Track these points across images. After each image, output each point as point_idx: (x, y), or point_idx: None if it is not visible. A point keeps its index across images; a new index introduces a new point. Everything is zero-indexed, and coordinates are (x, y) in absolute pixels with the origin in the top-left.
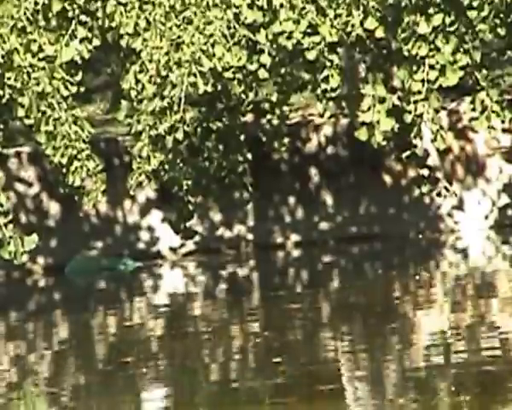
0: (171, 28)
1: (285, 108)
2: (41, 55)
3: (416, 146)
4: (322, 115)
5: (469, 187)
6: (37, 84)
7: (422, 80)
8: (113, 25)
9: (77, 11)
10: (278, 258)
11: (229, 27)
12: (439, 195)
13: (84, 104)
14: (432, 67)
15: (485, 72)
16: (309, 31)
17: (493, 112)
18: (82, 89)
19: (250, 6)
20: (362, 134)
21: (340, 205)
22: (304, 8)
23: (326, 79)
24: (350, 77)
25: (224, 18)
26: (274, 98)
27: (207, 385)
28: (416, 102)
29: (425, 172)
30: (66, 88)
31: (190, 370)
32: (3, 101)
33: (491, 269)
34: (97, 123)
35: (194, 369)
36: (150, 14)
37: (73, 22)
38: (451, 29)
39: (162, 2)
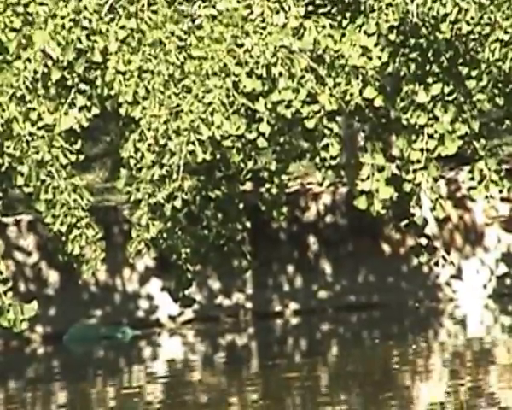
0: (169, 97)
1: (284, 177)
2: (40, 124)
3: (414, 215)
4: (321, 184)
5: (468, 256)
6: (37, 152)
7: (421, 149)
8: (112, 93)
9: (76, 80)
10: (277, 326)
11: (228, 96)
12: (437, 264)
13: (84, 172)
14: (431, 136)
15: (483, 141)
16: (308, 99)
17: (492, 181)
18: (81, 157)
19: (249, 75)
20: (361, 203)
21: (338, 274)
22: (303, 76)
23: (325, 148)
24: (349, 146)
25: (223, 86)
26: (273, 167)
27: None
28: (414, 170)
29: (423, 241)
30: (66, 156)
31: None
32: (3, 169)
33: (490, 339)
34: (96, 191)
35: None
36: (149, 82)
37: (72, 91)
38: (450, 98)
39: (161, 70)
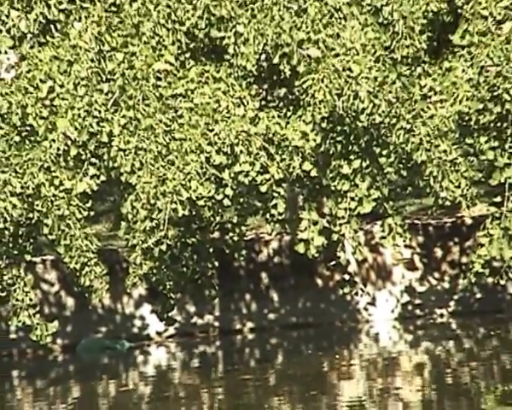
0: (158, 168)
1: (243, 228)
2: (61, 188)
3: (340, 257)
4: (270, 233)
5: (380, 288)
6: (58, 209)
7: (345, 208)
8: (116, 165)
9: (88, 155)
10: (237, 340)
11: (201, 167)
12: (356, 294)
13: (93, 224)
14: (352, 198)
15: (391, 203)
16: (261, 170)
17: (397, 233)
18: (91, 213)
19: (217, 152)
20: (300, 248)
21: (283, 301)
22: (258, 153)
23: (274, 207)
24: (291, 205)
25: (198, 160)
26: (235, 220)
27: None
28: (340, 224)
29: (347, 276)
30: (80, 212)
31: None
32: (33, 221)
33: (396, 351)
34: (103, 238)
35: None
36: (143, 157)
37: (86, 163)
38: (367, 171)
39: (152, 148)
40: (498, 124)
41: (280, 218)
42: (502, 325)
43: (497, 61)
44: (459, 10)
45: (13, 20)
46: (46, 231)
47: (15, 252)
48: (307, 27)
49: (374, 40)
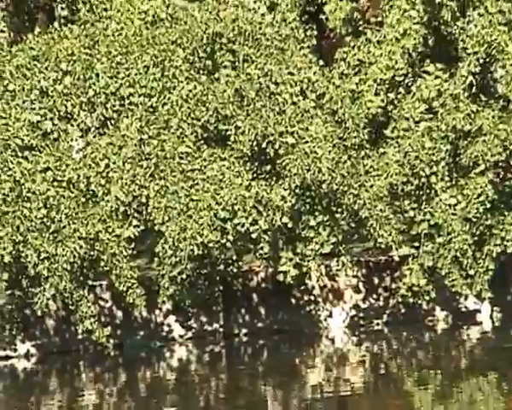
0: (180, 221)
1: (240, 263)
2: (113, 234)
3: (307, 284)
4: (259, 267)
5: (335, 305)
6: (111, 249)
7: (312, 249)
8: (151, 218)
9: (132, 211)
10: (235, 342)
11: (211, 220)
12: (319, 310)
13: (135, 259)
14: (316, 242)
15: (344, 245)
16: (253, 222)
17: (348, 267)
18: (134, 251)
19: (222, 209)
20: (280, 277)
21: (269, 313)
22: (250, 211)
23: (261, 248)
24: (274, 247)
25: (209, 215)
26: (234, 257)
27: None
28: (308, 261)
29: (312, 297)
30: (126, 251)
31: None
32: (93, 257)
33: (346, 349)
34: (142, 269)
35: None
36: (170, 213)
37: (130, 217)
38: (327, 223)
39: (176, 207)
40: (417, 192)
41: (266, 256)
42: (418, 331)
43: (415, 148)
44: (390, 113)
45: (82, 118)
46: (103, 264)
47: (81, 278)
48: (286, 123)
49: (332, 132)
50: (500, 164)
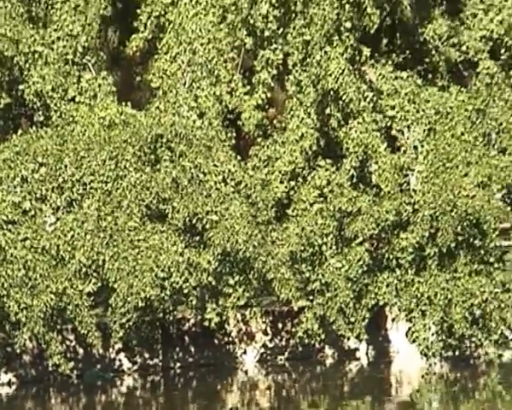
0: (130, 279)
1: (175, 312)
2: (78, 289)
3: (226, 329)
4: (190, 315)
5: (248, 344)
6: (75, 300)
7: (230, 302)
8: (105, 277)
9: (91, 271)
10: (171, 373)
11: (153, 280)
12: (235, 348)
13: (94, 308)
14: (234, 297)
15: (255, 299)
16: (185, 280)
17: (259, 316)
18: (93, 303)
19: (161, 271)
20: (206, 323)
21: (197, 351)
22: (183, 273)
23: (191, 301)
24: (201, 299)
25: (151, 276)
26: (171, 308)
27: None
28: (227, 311)
29: (230, 339)
30: (88, 302)
31: None
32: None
33: (256, 378)
34: (99, 316)
35: None
36: (120, 275)
37: (90, 276)
38: (242, 282)
39: (125, 268)
40: (311, 257)
41: (195, 306)
42: (311, 365)
43: (310, 224)
44: (291, 197)
45: (53, 199)
46: (68, 312)
47: (52, 324)
48: (211, 204)
49: (246, 212)
50: (374, 236)
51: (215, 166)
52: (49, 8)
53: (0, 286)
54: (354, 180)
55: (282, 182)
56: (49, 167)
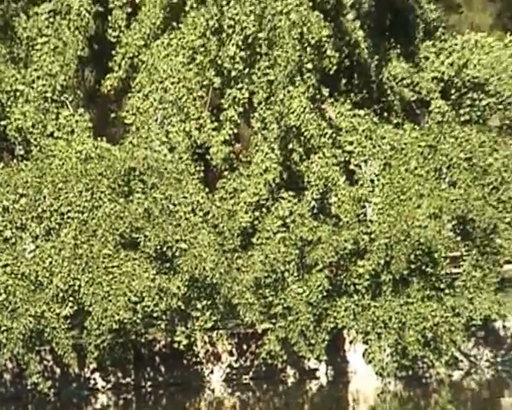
0: (105, 303)
1: (146, 335)
2: (55, 312)
3: (195, 351)
4: (161, 337)
5: (215, 365)
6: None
7: (198, 325)
8: (81, 301)
9: (69, 298)
10: (142, 392)
11: (126, 305)
12: (204, 369)
13: (70, 330)
14: (201, 320)
15: (221, 322)
16: (157, 302)
17: (225, 338)
18: (70, 325)
19: (134, 296)
20: (177, 345)
21: (167, 371)
22: (154, 298)
23: (162, 321)
24: (172, 325)
25: (124, 300)
26: (143, 331)
27: None
28: (195, 333)
29: (200, 361)
30: (64, 325)
31: None
32: None
33: (223, 397)
34: (75, 338)
35: None
36: (96, 300)
37: (66, 301)
38: (210, 307)
39: (100, 294)
40: (274, 283)
41: (165, 329)
42: (274, 384)
43: (274, 252)
44: (256, 226)
45: (33, 228)
46: (46, 334)
47: (30, 345)
48: (180, 233)
49: (214, 240)
50: (333, 264)
51: (184, 197)
52: (30, 49)
53: None
54: (315, 211)
55: (247, 212)
56: (28, 198)
